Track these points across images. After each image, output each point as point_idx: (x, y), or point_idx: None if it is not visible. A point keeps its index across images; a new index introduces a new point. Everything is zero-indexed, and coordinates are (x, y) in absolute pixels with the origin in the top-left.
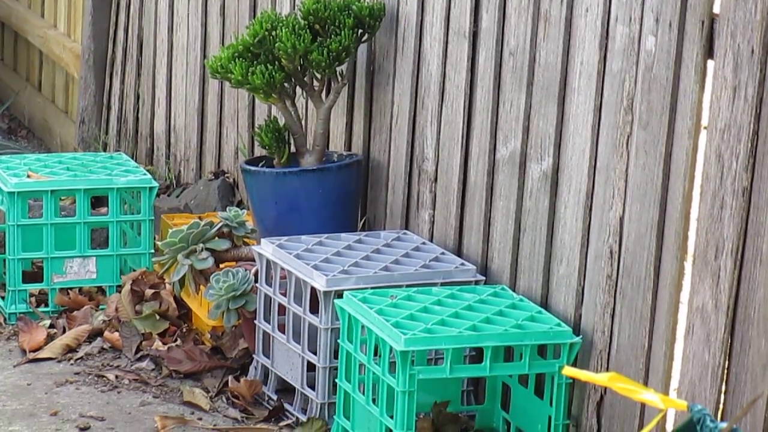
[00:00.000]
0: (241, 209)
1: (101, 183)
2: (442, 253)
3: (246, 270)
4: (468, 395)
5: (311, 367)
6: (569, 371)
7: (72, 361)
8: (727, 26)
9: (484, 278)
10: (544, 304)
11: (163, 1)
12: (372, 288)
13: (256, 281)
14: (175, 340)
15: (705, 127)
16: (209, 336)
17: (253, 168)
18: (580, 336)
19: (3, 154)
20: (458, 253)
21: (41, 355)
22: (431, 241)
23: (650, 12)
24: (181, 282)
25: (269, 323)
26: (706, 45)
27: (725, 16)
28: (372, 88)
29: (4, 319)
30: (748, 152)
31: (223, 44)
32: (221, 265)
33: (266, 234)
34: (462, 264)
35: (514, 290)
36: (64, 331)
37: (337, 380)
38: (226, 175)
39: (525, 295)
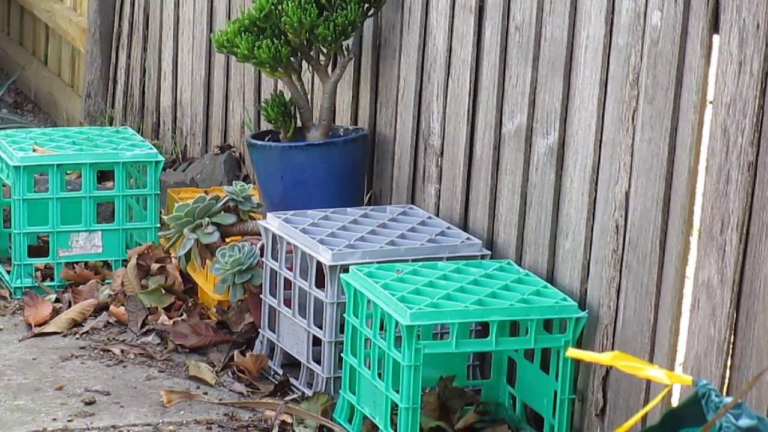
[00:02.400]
0: (247, 183)
1: (107, 157)
2: (448, 228)
3: (252, 244)
4: (474, 370)
5: (317, 341)
6: (573, 353)
7: (77, 336)
8: (732, 1)
9: (489, 253)
10: (550, 278)
11: None
12: (378, 262)
13: (261, 255)
14: (181, 315)
15: (710, 102)
16: (215, 310)
17: (259, 142)
18: (586, 310)
19: (9, 128)
20: (464, 227)
21: (47, 329)
22: (437, 215)
23: None
24: (187, 256)
25: (275, 298)
26: (711, 19)
27: None
28: (378, 62)
29: (10, 294)
30: (753, 127)
31: (229, 18)
32: (227, 240)
33: (272, 208)
34: (468, 238)
35: (519, 265)
36: (69, 306)
37: (342, 355)
38: (232, 149)
39: (531, 270)
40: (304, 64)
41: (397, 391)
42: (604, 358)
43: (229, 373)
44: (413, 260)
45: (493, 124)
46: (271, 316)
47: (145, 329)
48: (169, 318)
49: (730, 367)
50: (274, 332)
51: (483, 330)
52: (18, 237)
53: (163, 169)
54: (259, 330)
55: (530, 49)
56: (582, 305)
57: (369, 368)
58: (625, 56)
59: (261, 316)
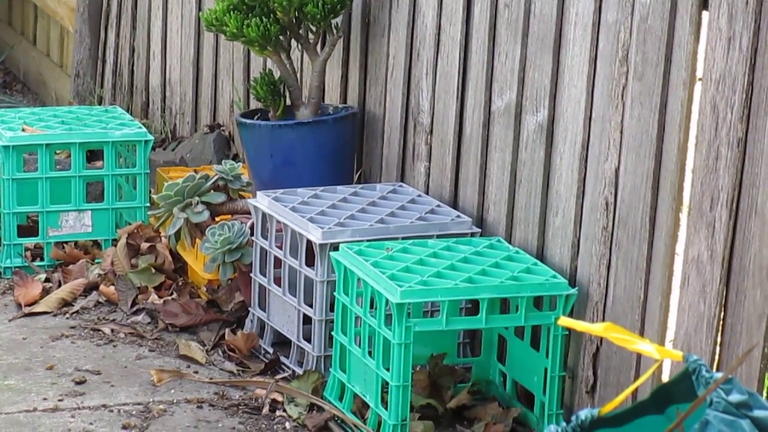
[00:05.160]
0: (237, 162)
1: (96, 136)
2: (438, 206)
3: (242, 223)
4: (464, 347)
5: (307, 320)
6: (565, 322)
7: (67, 315)
8: None
9: (479, 230)
10: (540, 255)
11: None
12: (368, 240)
13: (251, 234)
14: (171, 294)
15: (700, 78)
16: (205, 289)
17: (248, 121)
18: (576, 287)
19: None
20: (454, 205)
21: (36, 309)
22: (427, 193)
23: None
24: (177, 235)
25: (265, 276)
26: None
27: None
28: (367, 40)
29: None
30: (742, 103)
31: None
32: (217, 219)
33: (262, 187)
34: (458, 216)
35: (509, 242)
36: (59, 285)
37: (333, 333)
38: (221, 128)
39: (521, 247)
40: (293, 42)
41: (388, 369)
42: (596, 328)
43: (220, 352)
44: (403, 238)
45: (483, 102)
46: (261, 294)
47: (135, 308)
48: (159, 297)
49: (720, 344)
50: (264, 311)
51: (473, 308)
52: (7, 217)
53: (153, 148)
54: (250, 309)
55: (519, 26)
56: (572, 282)
57: (359, 346)
58: (614, 33)
59: (251, 294)
